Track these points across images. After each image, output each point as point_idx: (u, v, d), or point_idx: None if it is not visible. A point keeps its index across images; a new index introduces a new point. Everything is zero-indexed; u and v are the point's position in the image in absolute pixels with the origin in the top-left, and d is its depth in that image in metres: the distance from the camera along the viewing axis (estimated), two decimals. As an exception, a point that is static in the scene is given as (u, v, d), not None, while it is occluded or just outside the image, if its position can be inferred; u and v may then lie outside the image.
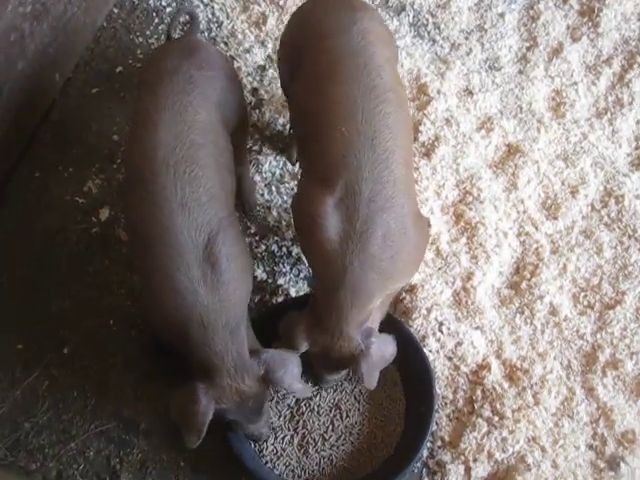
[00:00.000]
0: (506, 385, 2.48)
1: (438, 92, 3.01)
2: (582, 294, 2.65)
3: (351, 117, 2.10)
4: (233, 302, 2.08)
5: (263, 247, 2.76)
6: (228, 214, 2.17)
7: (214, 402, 2.05)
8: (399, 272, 2.17)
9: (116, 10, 3.29)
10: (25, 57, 2.77)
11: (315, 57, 2.26)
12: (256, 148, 2.93)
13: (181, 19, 3.08)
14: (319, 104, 2.19)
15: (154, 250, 2.05)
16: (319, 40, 2.27)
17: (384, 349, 2.21)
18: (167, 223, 2.03)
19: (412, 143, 2.38)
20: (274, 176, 2.89)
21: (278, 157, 2.92)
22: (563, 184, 2.84)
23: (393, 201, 2.08)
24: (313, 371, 2.37)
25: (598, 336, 2.58)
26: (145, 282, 2.17)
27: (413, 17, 3.22)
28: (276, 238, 2.78)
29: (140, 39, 3.22)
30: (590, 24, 3.18)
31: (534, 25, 3.20)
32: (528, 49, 3.15)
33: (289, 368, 2.12)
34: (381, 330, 2.31)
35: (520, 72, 3.10)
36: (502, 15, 3.22)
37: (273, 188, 2.86)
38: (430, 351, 2.53)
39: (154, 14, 3.26)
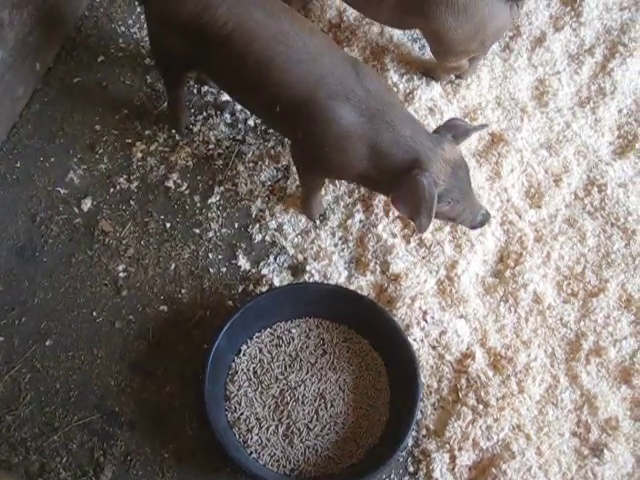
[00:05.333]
0: (490, 373, 2.49)
1: (422, 81, 3.02)
2: (566, 282, 2.66)
3: None
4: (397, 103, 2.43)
5: (247, 236, 2.75)
6: None
7: (433, 183, 2.23)
8: None
9: (98, -1, 3.27)
10: (5, 46, 2.73)
11: None
12: (239, 138, 2.93)
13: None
14: None
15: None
16: None
17: None
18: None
19: None
20: (257, 164, 2.88)
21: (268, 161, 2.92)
22: (546, 173, 2.85)
23: None
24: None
25: (582, 324, 2.59)
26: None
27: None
28: (260, 227, 2.76)
29: (122, 28, 3.19)
30: (572, 14, 3.19)
31: (517, 14, 3.20)
32: (511, 38, 3.16)
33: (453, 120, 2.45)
34: (365, 318, 2.37)
35: (504, 61, 3.10)
36: (486, 5, 3.22)
37: (255, 178, 2.85)
38: (414, 340, 2.52)
39: (136, 2, 3.23)
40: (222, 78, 2.55)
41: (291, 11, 2.43)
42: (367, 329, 2.51)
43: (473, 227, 2.51)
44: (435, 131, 2.40)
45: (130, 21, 3.21)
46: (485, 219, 2.48)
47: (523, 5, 2.69)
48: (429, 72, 3.03)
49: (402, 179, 2.28)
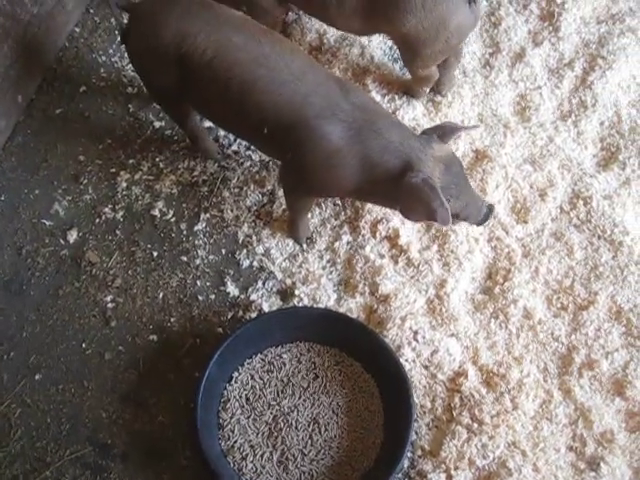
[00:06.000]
0: (484, 391, 2.48)
1: (404, 101, 3.04)
2: (555, 296, 2.66)
3: None
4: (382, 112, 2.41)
5: (234, 262, 2.75)
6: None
7: (428, 178, 2.22)
8: None
9: (78, 29, 3.27)
10: (-14, 80, 2.74)
11: None
12: (224, 164, 2.93)
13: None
14: None
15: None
16: None
17: None
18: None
19: None
20: (242, 190, 2.88)
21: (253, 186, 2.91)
22: (531, 187, 2.86)
23: None
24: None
25: (573, 337, 2.59)
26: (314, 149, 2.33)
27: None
28: (247, 253, 2.76)
29: (103, 58, 3.19)
30: (551, 28, 3.22)
31: (496, 31, 3.23)
32: (491, 55, 3.18)
33: (444, 122, 2.49)
34: (355, 340, 2.36)
35: (484, 78, 3.12)
36: (464, 22, 3.24)
37: (241, 204, 2.85)
38: (406, 360, 2.52)
39: (116, 32, 3.23)
40: (208, 107, 2.55)
41: (271, 33, 2.44)
42: (358, 351, 2.50)
43: (479, 223, 2.48)
44: (423, 132, 2.40)
45: (111, 50, 3.21)
46: (490, 211, 2.46)
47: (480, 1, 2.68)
48: (408, 90, 3.04)
49: (398, 187, 2.27)
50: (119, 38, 3.15)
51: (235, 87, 2.33)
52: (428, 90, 3.02)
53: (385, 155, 2.28)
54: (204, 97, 2.47)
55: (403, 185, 2.25)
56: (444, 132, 2.34)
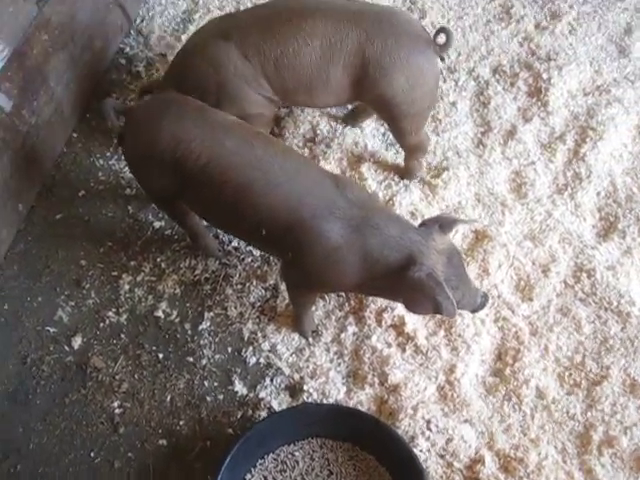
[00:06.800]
0: (502, 477, 2.42)
1: (400, 186, 3.08)
2: (567, 373, 2.62)
3: None
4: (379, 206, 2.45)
5: (241, 360, 2.72)
6: None
7: (433, 272, 2.20)
8: None
9: (75, 134, 3.33)
10: (-14, 193, 2.77)
11: None
12: (225, 260, 2.93)
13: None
14: None
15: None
16: None
17: None
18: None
19: None
20: (245, 286, 2.88)
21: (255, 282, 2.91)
22: (534, 264, 2.85)
23: None
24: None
25: (589, 414, 2.54)
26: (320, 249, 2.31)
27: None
28: (253, 350, 2.73)
29: (101, 161, 3.24)
30: (539, 104, 3.28)
31: (486, 110, 3.29)
32: (483, 134, 3.22)
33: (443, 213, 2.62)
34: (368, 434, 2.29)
35: (478, 157, 3.15)
36: (454, 103, 3.31)
37: (244, 300, 2.84)
38: (421, 451, 2.46)
39: (113, 134, 3.29)
40: (204, 209, 2.57)
41: (262, 135, 2.47)
42: (371, 445, 2.44)
43: (474, 310, 2.49)
44: (421, 224, 2.40)
45: (108, 153, 3.26)
46: (485, 300, 2.47)
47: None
48: (404, 174, 3.07)
49: (401, 282, 2.25)
50: (116, 141, 3.22)
51: (230, 191, 2.35)
52: (424, 163, 3.06)
53: (385, 250, 2.28)
54: (200, 200, 2.50)
55: (407, 280, 2.23)
56: (443, 223, 2.35)
